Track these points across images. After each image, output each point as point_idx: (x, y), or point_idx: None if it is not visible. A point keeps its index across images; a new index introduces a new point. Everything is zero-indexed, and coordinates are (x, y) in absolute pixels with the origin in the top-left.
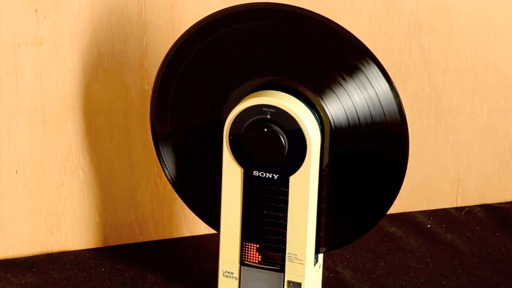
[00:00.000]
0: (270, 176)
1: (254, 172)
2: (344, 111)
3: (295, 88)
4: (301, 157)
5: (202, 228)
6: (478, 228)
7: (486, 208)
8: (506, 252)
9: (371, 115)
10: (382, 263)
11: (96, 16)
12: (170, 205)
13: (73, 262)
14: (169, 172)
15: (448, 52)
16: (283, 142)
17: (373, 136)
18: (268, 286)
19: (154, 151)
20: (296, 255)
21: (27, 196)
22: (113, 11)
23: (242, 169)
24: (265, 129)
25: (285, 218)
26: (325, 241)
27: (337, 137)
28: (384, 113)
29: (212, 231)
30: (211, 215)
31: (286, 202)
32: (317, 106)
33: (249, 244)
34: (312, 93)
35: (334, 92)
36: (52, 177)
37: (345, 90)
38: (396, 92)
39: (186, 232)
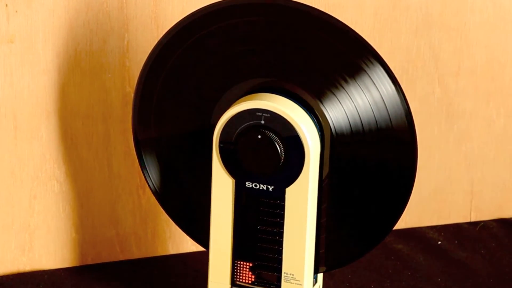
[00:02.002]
0: (265, 188)
1: (246, 183)
2: (346, 116)
3: (292, 91)
4: (298, 167)
5: (189, 245)
6: (493, 245)
7: (503, 223)
8: None
9: (376, 121)
10: (388, 284)
11: (72, 11)
12: (154, 219)
13: (47, 282)
14: (153, 184)
15: (461, 51)
16: (279, 150)
17: (378, 143)
18: None
19: (137, 160)
20: (293, 275)
21: None
22: (91, 6)
23: (234, 180)
24: (259, 136)
25: (281, 234)
26: (325, 260)
27: (338, 144)
28: (390, 118)
29: (201, 248)
30: (200, 231)
31: (282, 217)
32: (316, 111)
33: (241, 262)
34: (311, 96)
35: (335, 95)
36: (24, 189)
37: (347, 93)
38: (403, 95)
39: (172, 250)
